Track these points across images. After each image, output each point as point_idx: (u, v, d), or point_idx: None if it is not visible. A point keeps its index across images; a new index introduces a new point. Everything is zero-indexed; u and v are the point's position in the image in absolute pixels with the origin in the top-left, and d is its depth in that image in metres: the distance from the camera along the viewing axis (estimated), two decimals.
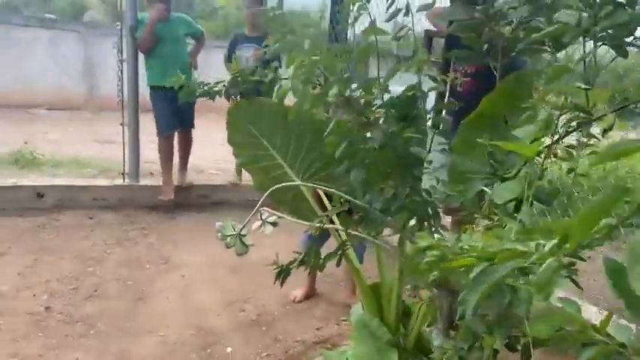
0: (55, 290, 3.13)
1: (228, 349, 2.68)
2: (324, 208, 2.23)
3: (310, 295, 3.32)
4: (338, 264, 2.05)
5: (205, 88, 2.13)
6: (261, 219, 2.38)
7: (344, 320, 3.05)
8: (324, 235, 3.14)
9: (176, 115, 4.82)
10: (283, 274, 1.97)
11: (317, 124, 2.03)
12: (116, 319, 2.89)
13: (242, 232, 1.86)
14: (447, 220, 2.39)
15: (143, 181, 5.02)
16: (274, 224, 2.35)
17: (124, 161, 4.92)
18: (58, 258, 3.62)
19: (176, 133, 4.96)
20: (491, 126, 1.81)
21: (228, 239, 1.83)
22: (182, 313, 3.01)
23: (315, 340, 2.71)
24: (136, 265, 3.60)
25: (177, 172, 5.09)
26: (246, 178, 5.33)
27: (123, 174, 4.92)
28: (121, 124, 4.84)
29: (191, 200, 5.05)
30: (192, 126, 5.06)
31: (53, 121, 10.99)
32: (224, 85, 2.02)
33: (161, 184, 4.89)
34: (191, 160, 5.28)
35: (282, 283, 1.99)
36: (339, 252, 2.01)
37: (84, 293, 3.13)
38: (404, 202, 1.54)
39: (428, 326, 2.18)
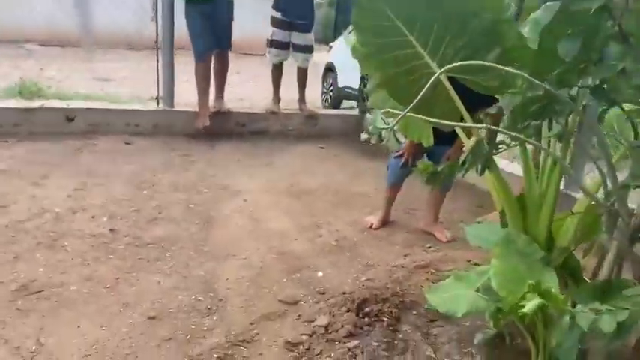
0: (115, 212, 2.85)
1: (320, 273, 2.44)
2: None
3: (386, 221, 3.07)
4: (482, 172, 1.77)
5: None
6: (383, 120, 2.10)
7: (429, 247, 2.82)
8: (414, 162, 2.87)
9: (213, 34, 4.42)
10: (436, 179, 1.68)
11: (468, 4, 1.71)
12: (190, 242, 2.63)
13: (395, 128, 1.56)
14: None
15: (178, 107, 4.66)
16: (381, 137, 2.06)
17: (157, 84, 4.55)
18: (107, 181, 3.31)
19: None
20: None
21: (383, 132, 1.53)
22: (257, 238, 2.75)
23: (416, 264, 2.47)
24: (193, 190, 3.32)
25: (214, 97, 4.73)
26: (283, 105, 5.02)
27: (157, 98, 4.56)
28: (155, 42, 4.43)
29: (229, 128, 4.73)
30: (229, 46, 4.68)
31: (48, 58, 10.48)
32: None
33: (197, 109, 4.54)
34: None
35: (434, 186, 1.71)
36: (486, 158, 1.72)
37: (147, 216, 2.85)
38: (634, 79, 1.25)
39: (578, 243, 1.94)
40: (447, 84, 1.79)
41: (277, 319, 2.08)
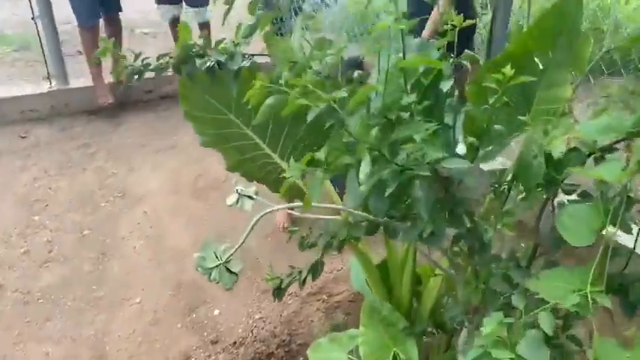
0: (2, 258, 2.73)
1: (216, 312, 2.46)
2: None
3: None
4: (340, 251, 1.73)
5: (141, 64, 1.55)
6: (238, 192, 2.00)
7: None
8: None
9: None
10: (281, 293, 1.62)
11: None
12: (82, 287, 2.57)
13: (227, 260, 1.47)
14: None
15: (74, 82, 4.31)
16: (252, 197, 1.98)
17: (45, 62, 4.17)
18: None
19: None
20: (523, 70, 1.40)
21: (212, 274, 1.45)
22: (155, 266, 2.71)
23: (310, 290, 2.49)
24: (89, 203, 3.17)
25: (112, 65, 4.38)
26: None
27: (48, 77, 4.20)
28: (32, 19, 3.99)
29: (134, 97, 4.44)
30: (120, 8, 4.24)
31: None
32: (170, 59, 1.47)
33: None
34: None
35: (278, 300, 1.66)
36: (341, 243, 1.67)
37: (38, 257, 2.74)
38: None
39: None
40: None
41: None
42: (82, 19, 4.01)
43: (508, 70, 1.08)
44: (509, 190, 1.32)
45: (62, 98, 4.18)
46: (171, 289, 2.57)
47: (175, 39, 4.38)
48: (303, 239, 1.71)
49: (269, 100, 1.04)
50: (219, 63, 1.34)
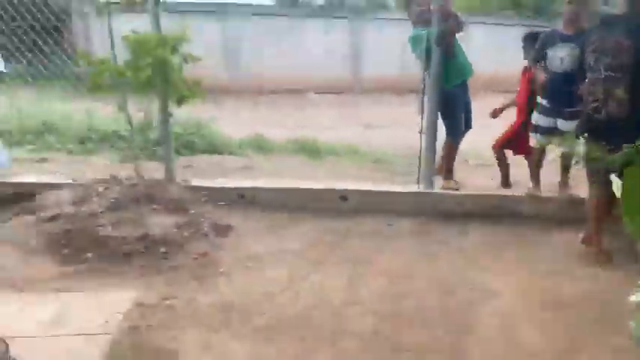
0: (379, 310, 3.24)
1: None
2: None
3: None
4: None
5: None
6: None
7: None
8: None
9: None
10: None
11: None
12: (440, 352, 2.86)
13: None
14: None
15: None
16: None
17: (419, 168, 4.94)
18: (367, 271, 3.76)
19: None
20: None
21: None
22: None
23: None
24: (445, 288, 3.55)
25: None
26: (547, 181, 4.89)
27: (418, 181, 4.95)
28: (420, 132, 4.83)
29: (483, 210, 4.83)
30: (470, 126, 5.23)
31: (322, 105, 12.41)
32: None
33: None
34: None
35: None
36: None
37: (405, 319, 3.17)
38: None
39: None
40: None
41: None
42: (456, 137, 4.87)
43: None
44: None
45: (426, 200, 4.84)
46: None
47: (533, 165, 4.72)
48: None
49: None
50: None
